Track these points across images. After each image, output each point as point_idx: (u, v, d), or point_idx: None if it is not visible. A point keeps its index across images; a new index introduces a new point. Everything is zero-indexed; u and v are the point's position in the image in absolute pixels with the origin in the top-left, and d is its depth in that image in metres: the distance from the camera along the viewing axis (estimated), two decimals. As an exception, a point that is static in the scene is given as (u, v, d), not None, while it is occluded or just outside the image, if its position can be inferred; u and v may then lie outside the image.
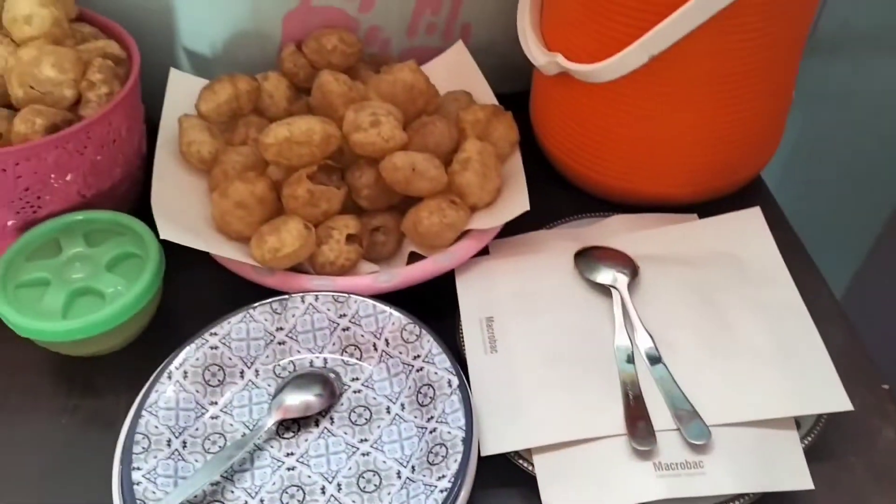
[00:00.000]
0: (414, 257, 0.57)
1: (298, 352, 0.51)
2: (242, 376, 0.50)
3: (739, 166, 0.61)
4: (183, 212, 0.57)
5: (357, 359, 0.51)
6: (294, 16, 0.67)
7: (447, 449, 0.45)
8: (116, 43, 0.58)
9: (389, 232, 0.58)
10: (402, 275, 0.54)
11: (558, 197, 0.64)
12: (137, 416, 0.46)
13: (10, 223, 0.54)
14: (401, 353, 0.50)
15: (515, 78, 0.70)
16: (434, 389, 0.48)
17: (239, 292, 0.55)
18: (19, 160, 0.51)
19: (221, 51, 0.68)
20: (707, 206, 0.61)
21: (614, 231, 0.58)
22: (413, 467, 0.45)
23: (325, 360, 0.51)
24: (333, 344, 0.52)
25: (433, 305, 0.54)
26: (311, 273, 0.55)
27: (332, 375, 0.50)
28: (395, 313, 0.51)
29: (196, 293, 0.58)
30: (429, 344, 0.49)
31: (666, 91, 0.55)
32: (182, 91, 0.64)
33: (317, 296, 0.52)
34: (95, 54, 0.56)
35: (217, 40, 0.67)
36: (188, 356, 0.49)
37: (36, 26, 0.54)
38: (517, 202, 0.56)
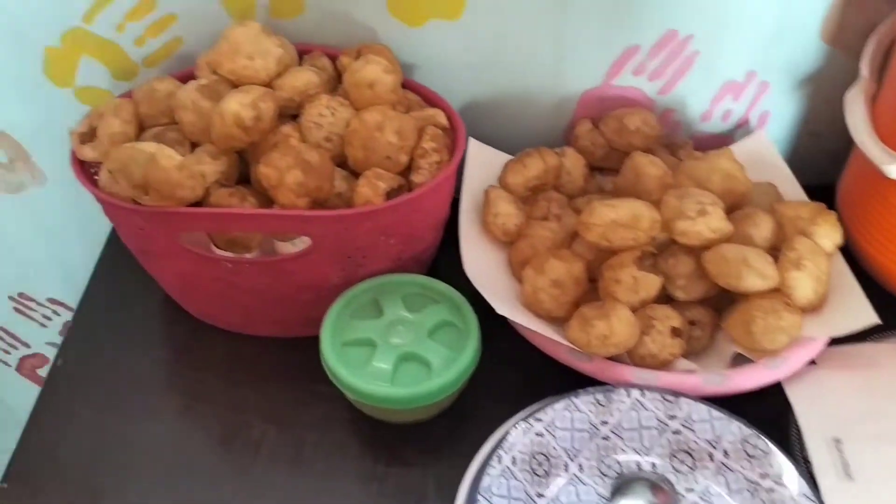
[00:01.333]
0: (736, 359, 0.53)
1: (623, 450, 0.48)
2: (566, 469, 0.48)
3: None
4: (493, 285, 0.56)
5: (689, 467, 0.48)
6: (593, 93, 0.66)
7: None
8: (442, 112, 0.59)
9: (705, 327, 0.55)
10: (733, 379, 0.50)
11: (884, 308, 0.59)
12: (472, 500, 0.44)
13: (335, 280, 0.55)
14: (743, 468, 0.46)
15: (809, 170, 0.66)
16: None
17: (541, 373, 0.54)
18: (363, 221, 0.51)
19: (509, 122, 0.68)
20: None
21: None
22: None
23: (653, 464, 0.48)
24: (662, 447, 0.48)
25: (750, 412, 0.49)
26: (627, 362, 0.52)
27: (665, 484, 0.46)
28: (735, 422, 0.47)
29: (496, 369, 0.56)
30: (779, 463, 0.45)
31: None
32: (480, 161, 0.64)
33: (643, 392, 0.49)
34: (428, 122, 0.57)
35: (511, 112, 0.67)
36: (516, 441, 0.47)
37: (378, 91, 0.55)
38: (854, 311, 0.52)
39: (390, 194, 0.53)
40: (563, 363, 0.52)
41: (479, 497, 0.44)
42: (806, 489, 0.44)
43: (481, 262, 0.58)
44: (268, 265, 0.54)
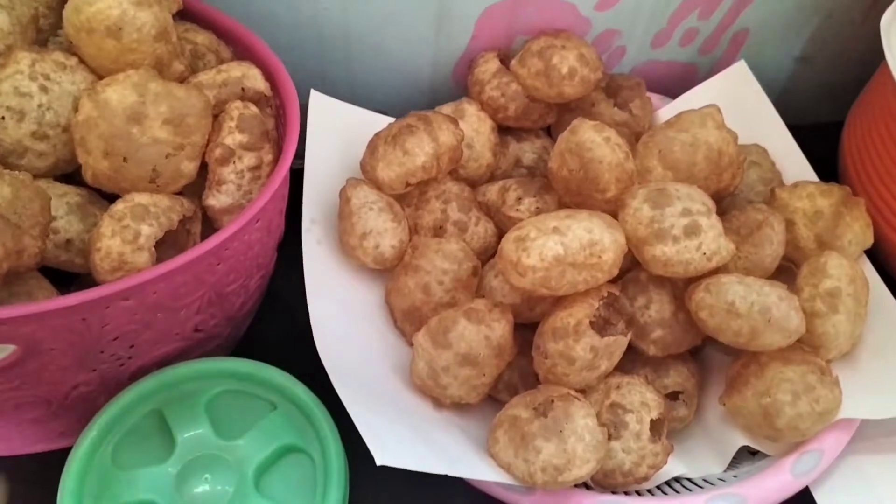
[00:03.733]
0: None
1: None
2: None
3: None
4: (359, 362, 0.34)
5: None
6: (499, 8, 0.43)
7: None
8: (255, 67, 0.34)
9: (690, 399, 0.36)
10: (748, 498, 0.32)
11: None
12: None
13: (81, 387, 0.31)
14: None
15: (793, 108, 0.47)
16: None
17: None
18: (110, 303, 0.28)
19: (372, 58, 0.44)
20: None
21: None
22: None
23: None
24: None
25: None
26: (590, 486, 0.33)
27: None
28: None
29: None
30: None
31: None
32: (328, 130, 0.40)
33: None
34: (231, 91, 0.32)
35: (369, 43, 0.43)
36: None
37: (128, 42, 0.30)
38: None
39: (167, 240, 0.29)
40: (498, 498, 0.33)
41: None
42: None
43: (343, 318, 0.36)
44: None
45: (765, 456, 0.35)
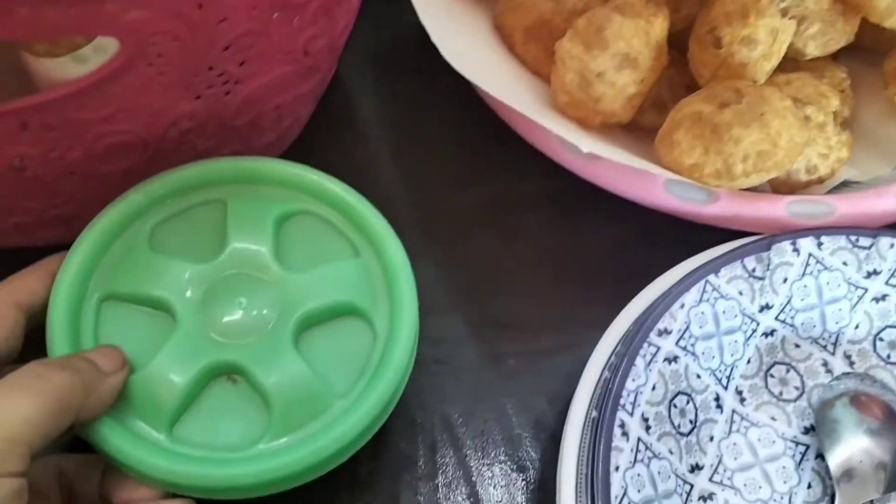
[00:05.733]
0: None
1: (797, 346, 0.28)
2: (720, 406, 0.26)
3: None
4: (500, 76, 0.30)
5: (911, 352, 0.28)
6: None
7: None
8: None
9: (847, 100, 0.33)
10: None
11: None
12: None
13: (179, 123, 0.25)
14: None
15: None
16: None
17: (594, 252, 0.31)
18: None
19: None
20: None
21: None
22: None
23: (847, 358, 0.28)
24: (857, 327, 0.28)
25: None
26: (767, 190, 0.30)
27: (876, 388, 0.27)
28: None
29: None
30: None
31: None
32: None
33: (818, 238, 0.28)
34: None
35: None
36: (640, 384, 0.24)
37: None
38: None
39: None
40: (652, 207, 0.29)
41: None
42: None
43: (463, 33, 0.31)
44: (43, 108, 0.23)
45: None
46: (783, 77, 0.30)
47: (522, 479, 0.27)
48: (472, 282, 0.31)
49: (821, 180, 0.30)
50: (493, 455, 0.28)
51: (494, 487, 0.27)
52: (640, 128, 0.32)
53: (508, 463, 0.28)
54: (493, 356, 0.29)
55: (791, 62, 0.32)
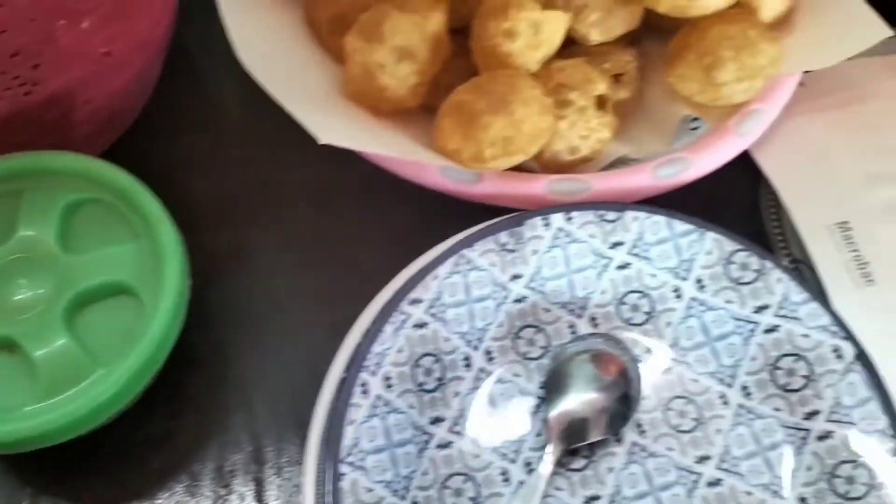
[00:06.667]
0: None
1: (547, 310, 0.31)
2: (469, 366, 0.30)
3: None
4: (287, 72, 0.33)
5: (647, 314, 0.31)
6: None
7: (869, 473, 0.27)
8: None
9: (631, 82, 0.35)
10: (696, 161, 0.32)
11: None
12: (336, 475, 0.26)
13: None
14: (729, 302, 0.31)
15: None
16: (807, 363, 0.29)
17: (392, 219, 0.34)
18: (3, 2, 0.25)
19: None
20: None
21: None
22: (803, 499, 0.28)
23: (593, 320, 0.31)
24: (604, 293, 0.31)
25: (705, 203, 0.33)
26: (533, 168, 0.33)
27: (615, 348, 0.30)
28: (711, 234, 0.31)
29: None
30: (782, 286, 0.30)
31: None
32: None
33: (569, 213, 0.31)
34: None
35: None
36: (386, 348, 0.28)
37: None
38: (847, 21, 0.34)
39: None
40: (433, 189, 0.32)
41: (345, 467, 0.26)
42: (825, 319, 0.29)
43: (263, 30, 0.34)
44: None
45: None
46: (558, 64, 0.33)
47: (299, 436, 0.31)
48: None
49: (586, 160, 0.33)
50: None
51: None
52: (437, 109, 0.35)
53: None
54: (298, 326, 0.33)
55: (582, 47, 0.35)
